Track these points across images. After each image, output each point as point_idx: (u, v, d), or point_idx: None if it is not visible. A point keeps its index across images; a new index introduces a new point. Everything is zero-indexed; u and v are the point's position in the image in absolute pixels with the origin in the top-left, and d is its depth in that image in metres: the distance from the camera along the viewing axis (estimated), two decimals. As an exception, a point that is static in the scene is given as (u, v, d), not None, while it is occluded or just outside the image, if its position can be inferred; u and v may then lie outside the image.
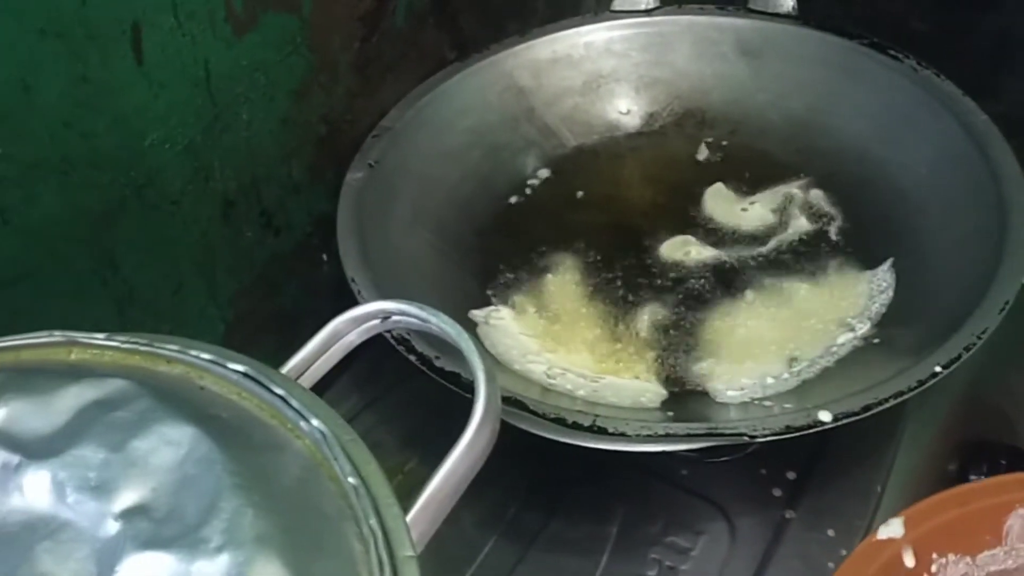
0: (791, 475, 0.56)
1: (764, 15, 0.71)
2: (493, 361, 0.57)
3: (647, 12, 0.73)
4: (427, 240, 0.63)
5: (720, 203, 0.68)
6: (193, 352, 0.36)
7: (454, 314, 0.59)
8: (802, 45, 0.71)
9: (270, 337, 0.64)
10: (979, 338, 0.48)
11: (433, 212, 0.65)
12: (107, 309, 0.52)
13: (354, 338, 0.38)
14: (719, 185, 0.69)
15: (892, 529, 0.43)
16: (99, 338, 0.36)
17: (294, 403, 0.34)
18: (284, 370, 0.37)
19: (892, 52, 0.67)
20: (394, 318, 0.38)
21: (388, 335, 0.52)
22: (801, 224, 0.65)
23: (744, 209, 0.67)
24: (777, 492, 0.55)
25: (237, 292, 0.60)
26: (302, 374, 0.38)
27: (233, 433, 0.32)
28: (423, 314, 0.37)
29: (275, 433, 0.33)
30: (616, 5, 0.74)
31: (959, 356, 0.48)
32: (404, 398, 0.62)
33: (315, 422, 0.33)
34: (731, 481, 0.56)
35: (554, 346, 0.59)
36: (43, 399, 0.32)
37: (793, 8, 0.71)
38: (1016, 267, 0.51)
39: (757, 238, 0.65)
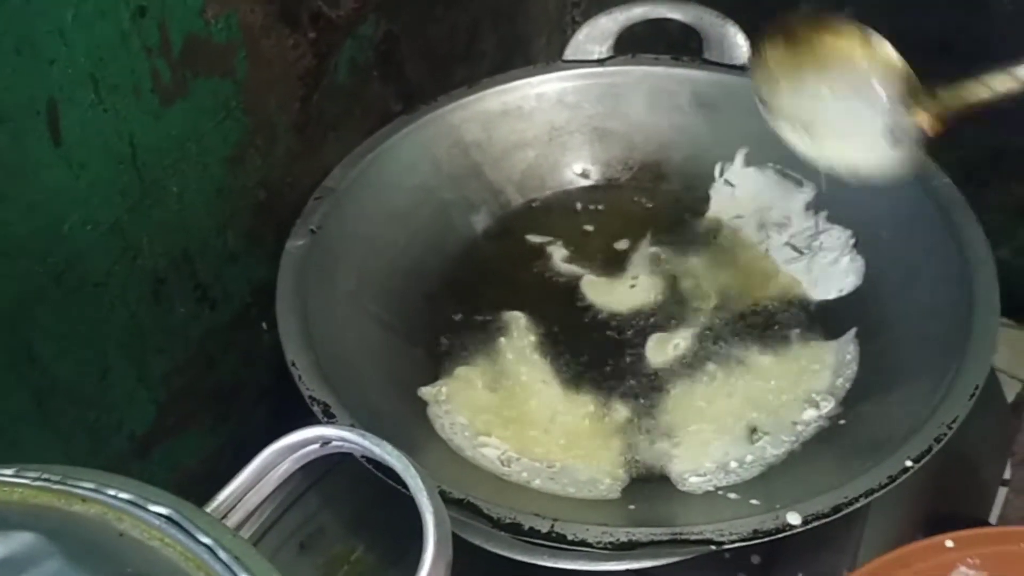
0: (756, 559, 0.53)
1: (720, 66, 0.69)
2: (445, 448, 0.54)
3: (600, 62, 0.70)
4: (373, 311, 0.60)
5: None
6: (111, 491, 0.32)
7: (403, 392, 0.58)
8: (759, 97, 0.68)
9: (207, 413, 0.61)
10: (950, 428, 0.46)
11: (379, 278, 0.62)
12: (26, 403, 0.48)
13: (289, 466, 0.35)
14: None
15: None
16: (7, 474, 0.33)
17: (222, 554, 0.31)
18: (211, 507, 0.34)
19: (850, 107, 0.65)
20: (334, 443, 0.35)
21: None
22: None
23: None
24: (742, 578, 0.53)
25: (170, 370, 0.57)
26: (232, 508, 0.34)
27: (154, 596, 0.29)
28: (366, 442, 0.34)
29: (201, 591, 0.30)
30: (568, 54, 0.71)
31: (930, 449, 0.46)
32: (351, 476, 0.59)
33: (245, 578, 0.30)
34: (694, 566, 0.53)
35: (508, 424, 0.56)
36: (-61, 560, 0.29)
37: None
38: (983, 347, 0.50)
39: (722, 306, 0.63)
